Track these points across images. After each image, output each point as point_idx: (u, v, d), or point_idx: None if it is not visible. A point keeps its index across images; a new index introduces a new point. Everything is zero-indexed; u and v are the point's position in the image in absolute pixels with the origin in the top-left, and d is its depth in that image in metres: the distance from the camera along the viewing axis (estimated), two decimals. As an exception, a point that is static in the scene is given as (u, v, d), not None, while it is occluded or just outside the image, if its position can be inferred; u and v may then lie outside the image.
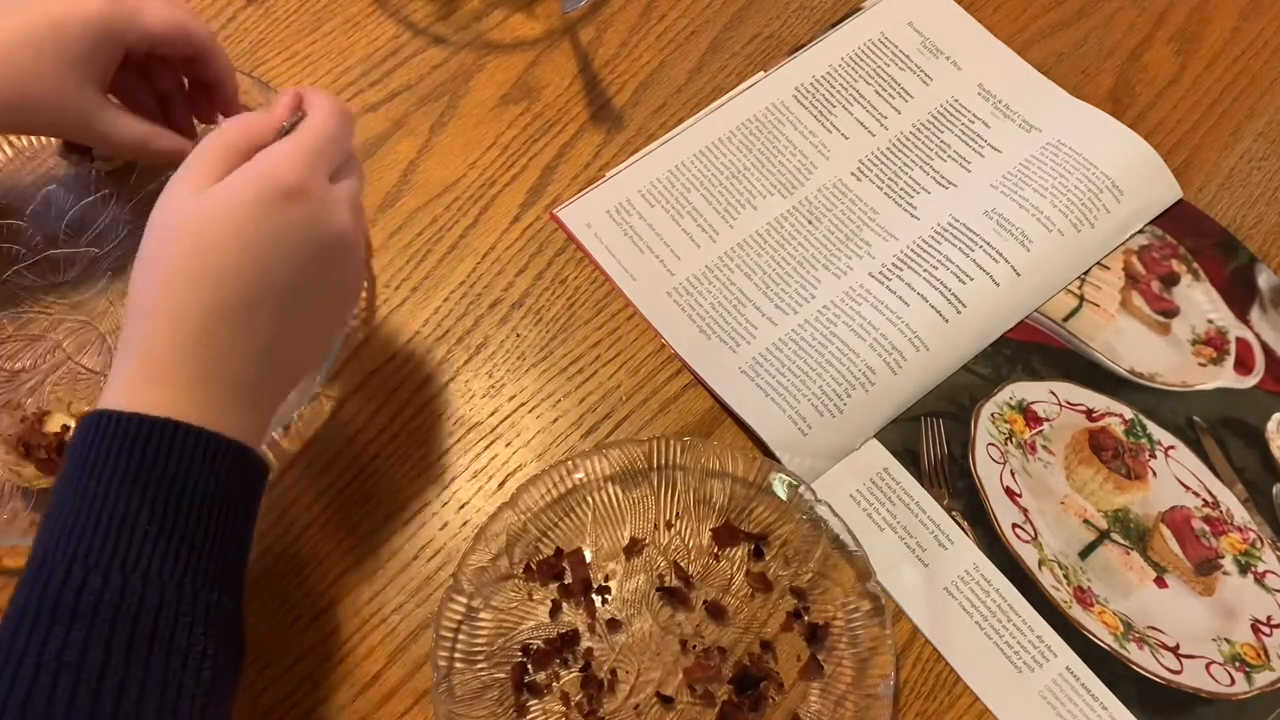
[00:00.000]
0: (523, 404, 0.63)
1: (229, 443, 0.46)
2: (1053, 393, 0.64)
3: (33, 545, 0.44)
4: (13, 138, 0.67)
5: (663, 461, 0.60)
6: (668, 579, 0.58)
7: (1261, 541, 0.60)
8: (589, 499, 0.60)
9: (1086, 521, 0.60)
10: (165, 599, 0.43)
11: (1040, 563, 0.59)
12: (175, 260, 0.46)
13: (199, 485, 0.45)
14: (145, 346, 0.46)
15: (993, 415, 0.63)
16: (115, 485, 0.43)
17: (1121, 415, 0.63)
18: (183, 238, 0.46)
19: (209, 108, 0.61)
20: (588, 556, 0.58)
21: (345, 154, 0.51)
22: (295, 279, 0.48)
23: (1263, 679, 0.57)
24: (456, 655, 0.55)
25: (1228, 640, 0.58)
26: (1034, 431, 0.62)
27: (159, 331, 0.46)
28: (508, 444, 0.62)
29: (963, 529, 0.60)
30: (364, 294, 0.65)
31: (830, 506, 0.58)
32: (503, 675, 0.55)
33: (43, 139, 0.68)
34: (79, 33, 0.54)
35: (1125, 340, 0.65)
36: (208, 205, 0.46)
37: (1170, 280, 0.67)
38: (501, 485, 0.61)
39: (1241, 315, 0.66)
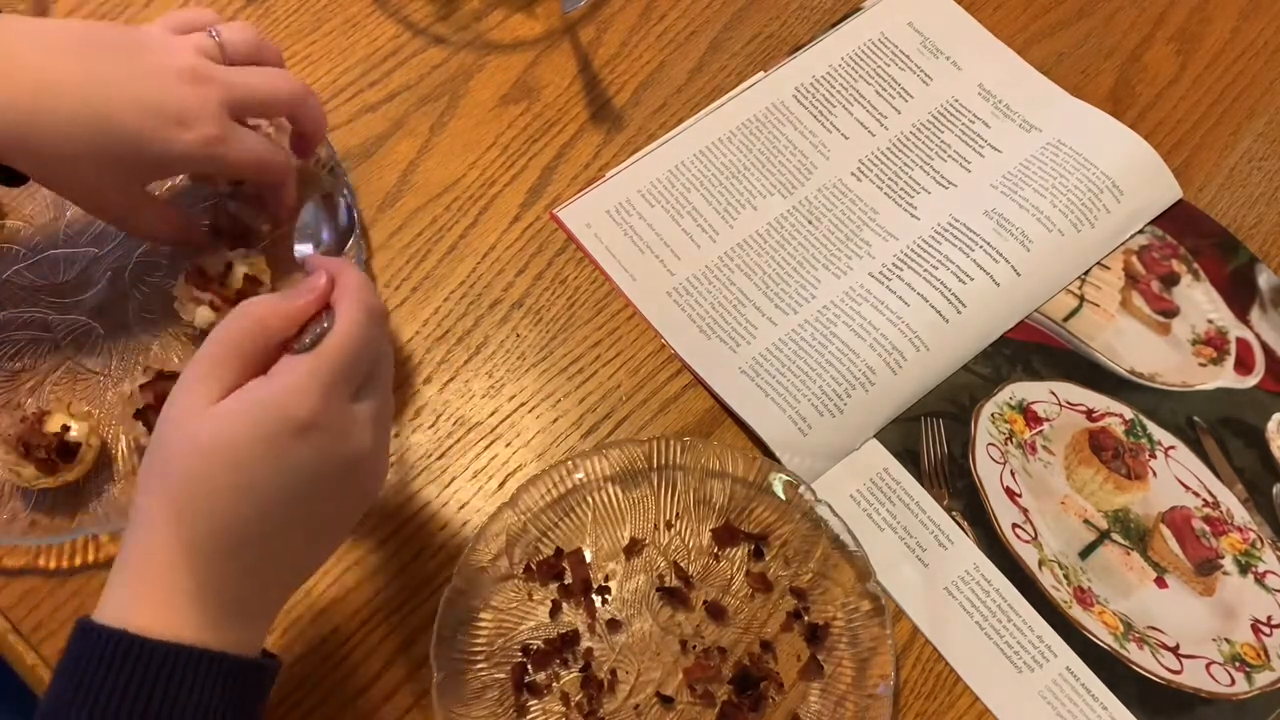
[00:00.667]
0: (523, 404, 0.63)
1: (223, 658, 0.44)
2: (1053, 393, 0.64)
3: None
4: (13, 138, 0.67)
5: (663, 461, 0.60)
6: (668, 579, 0.58)
7: (1261, 541, 0.60)
8: (589, 499, 0.60)
9: (1087, 521, 0.60)
10: None
11: (1040, 563, 0.59)
12: (174, 482, 0.44)
13: (194, 698, 0.43)
14: (140, 563, 0.44)
15: (993, 415, 0.63)
16: (104, 701, 0.42)
17: (1121, 415, 0.63)
18: (182, 458, 0.44)
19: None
20: (588, 556, 0.58)
21: (373, 364, 0.47)
22: (299, 510, 0.45)
23: (1263, 679, 0.57)
24: (456, 655, 0.55)
25: (1228, 640, 0.58)
26: (1034, 431, 0.62)
27: (155, 552, 0.44)
28: (508, 444, 0.62)
29: (963, 529, 0.60)
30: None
31: (830, 506, 0.58)
32: (503, 675, 0.55)
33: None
34: (157, 159, 0.54)
35: (1125, 340, 0.65)
36: (208, 430, 0.43)
37: (1170, 280, 0.67)
38: (501, 485, 0.61)
39: (1241, 315, 0.66)
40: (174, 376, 0.58)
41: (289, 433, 0.43)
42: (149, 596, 0.44)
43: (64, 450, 0.57)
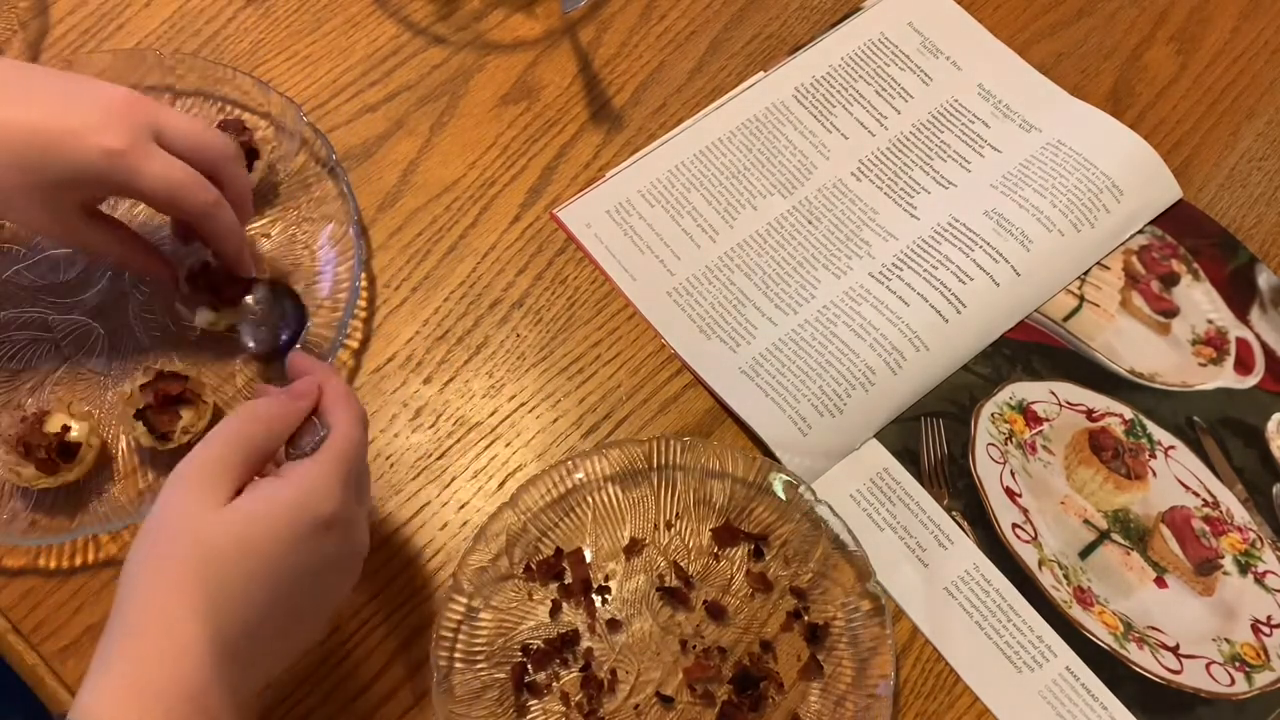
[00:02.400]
0: (523, 404, 0.63)
1: None
2: (1053, 393, 0.64)
3: None
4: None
5: (663, 461, 0.60)
6: (668, 579, 0.58)
7: (1261, 541, 0.60)
8: (589, 499, 0.60)
9: (1086, 521, 0.60)
10: None
11: (1040, 563, 0.59)
12: (201, 584, 0.43)
13: None
14: (132, 663, 0.42)
15: (993, 415, 0.63)
16: None
17: (1121, 415, 0.63)
18: (208, 561, 0.43)
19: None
20: (588, 556, 0.58)
21: (364, 467, 0.50)
22: (306, 601, 0.46)
23: (1263, 679, 0.57)
24: (456, 655, 0.55)
25: (1228, 640, 0.58)
26: (1034, 431, 0.62)
27: (148, 658, 0.42)
28: (508, 444, 0.62)
29: (963, 529, 0.60)
30: (364, 293, 0.65)
31: (830, 506, 0.58)
32: (503, 675, 0.55)
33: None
34: (62, 173, 0.53)
35: (1125, 340, 0.65)
36: (233, 531, 0.44)
37: (1170, 280, 0.67)
38: (501, 485, 0.61)
39: (1241, 315, 0.66)
40: (174, 376, 0.59)
41: (314, 531, 0.45)
42: (146, 707, 0.41)
43: (64, 450, 0.57)
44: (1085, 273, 0.67)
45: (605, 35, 0.74)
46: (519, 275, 0.66)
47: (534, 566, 0.58)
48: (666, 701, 0.55)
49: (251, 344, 0.58)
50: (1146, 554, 0.60)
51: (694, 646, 0.56)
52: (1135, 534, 0.60)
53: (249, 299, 0.58)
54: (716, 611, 0.57)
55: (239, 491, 0.45)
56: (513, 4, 0.74)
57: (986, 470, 0.61)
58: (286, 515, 0.45)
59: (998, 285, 0.65)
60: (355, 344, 0.64)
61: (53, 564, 0.57)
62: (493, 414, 0.63)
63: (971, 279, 0.65)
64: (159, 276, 0.61)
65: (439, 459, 0.61)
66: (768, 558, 0.58)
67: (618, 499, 0.60)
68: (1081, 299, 0.66)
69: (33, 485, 0.57)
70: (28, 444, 0.57)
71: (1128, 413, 0.63)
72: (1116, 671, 0.57)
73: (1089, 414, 0.63)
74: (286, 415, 0.48)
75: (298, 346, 0.56)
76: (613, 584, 0.58)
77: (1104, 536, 0.60)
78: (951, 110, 0.71)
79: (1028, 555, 0.59)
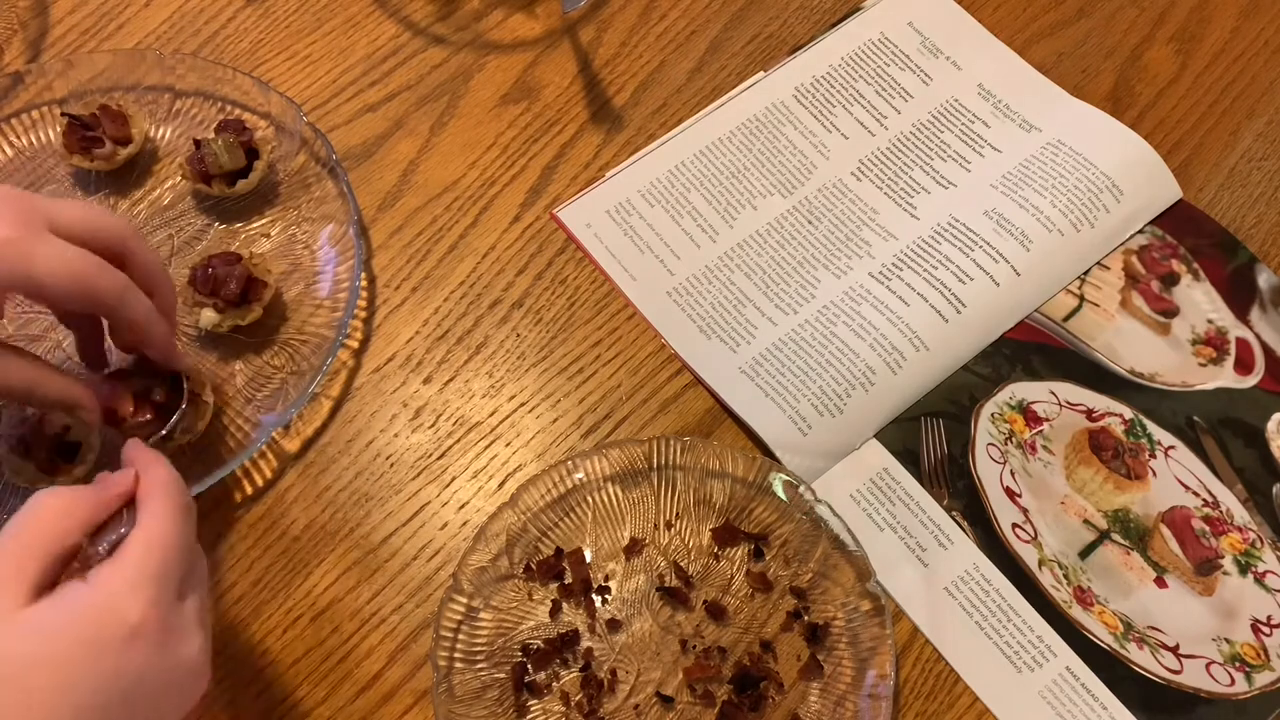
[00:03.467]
0: (523, 404, 0.63)
1: None
2: (1053, 393, 0.64)
3: None
4: (13, 137, 0.68)
5: (663, 461, 0.60)
6: (668, 579, 0.58)
7: (1261, 541, 0.60)
8: (589, 499, 0.60)
9: (1086, 521, 0.60)
10: None
11: (1040, 563, 0.59)
12: None
13: None
14: None
15: (993, 415, 0.63)
16: None
17: (1121, 415, 0.63)
18: None
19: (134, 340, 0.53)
20: (588, 556, 0.58)
21: (191, 561, 0.44)
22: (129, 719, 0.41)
23: (1263, 679, 0.57)
24: (456, 655, 0.55)
25: (1228, 640, 0.58)
26: (1034, 431, 0.62)
27: None
28: (508, 444, 0.62)
29: (963, 529, 0.60)
30: (364, 293, 0.65)
31: (830, 506, 0.58)
32: (503, 675, 0.55)
33: (43, 140, 0.68)
34: None
35: (1125, 340, 0.65)
36: (29, 646, 0.39)
37: (1170, 280, 0.67)
38: (501, 485, 0.61)
39: (1241, 315, 0.66)
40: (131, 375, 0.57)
41: (121, 640, 0.40)
42: None
43: (64, 450, 0.57)
44: (1085, 273, 0.67)
45: (605, 35, 0.74)
46: (519, 275, 0.66)
47: (534, 566, 0.58)
48: (666, 701, 0.55)
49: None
50: (1146, 554, 0.60)
51: (694, 646, 0.56)
52: (1135, 534, 0.60)
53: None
54: (716, 611, 0.57)
55: (39, 592, 0.40)
56: (513, 4, 0.74)
57: (986, 470, 0.61)
58: (81, 624, 0.40)
59: (998, 285, 0.65)
60: (355, 344, 0.64)
61: (53, 564, 0.57)
62: (493, 414, 0.63)
63: (971, 279, 0.65)
64: (78, 405, 0.52)
65: (439, 459, 0.61)
66: (768, 558, 0.58)
67: (618, 499, 0.60)
68: (1081, 299, 0.66)
69: (33, 485, 0.57)
70: (28, 444, 0.57)
71: (1128, 413, 0.63)
72: (1116, 671, 0.57)
73: (1089, 414, 0.63)
74: (93, 504, 0.43)
75: (164, 432, 0.53)
76: (613, 584, 0.58)
77: (1104, 536, 0.60)
78: (951, 110, 0.71)
79: (1028, 555, 0.59)
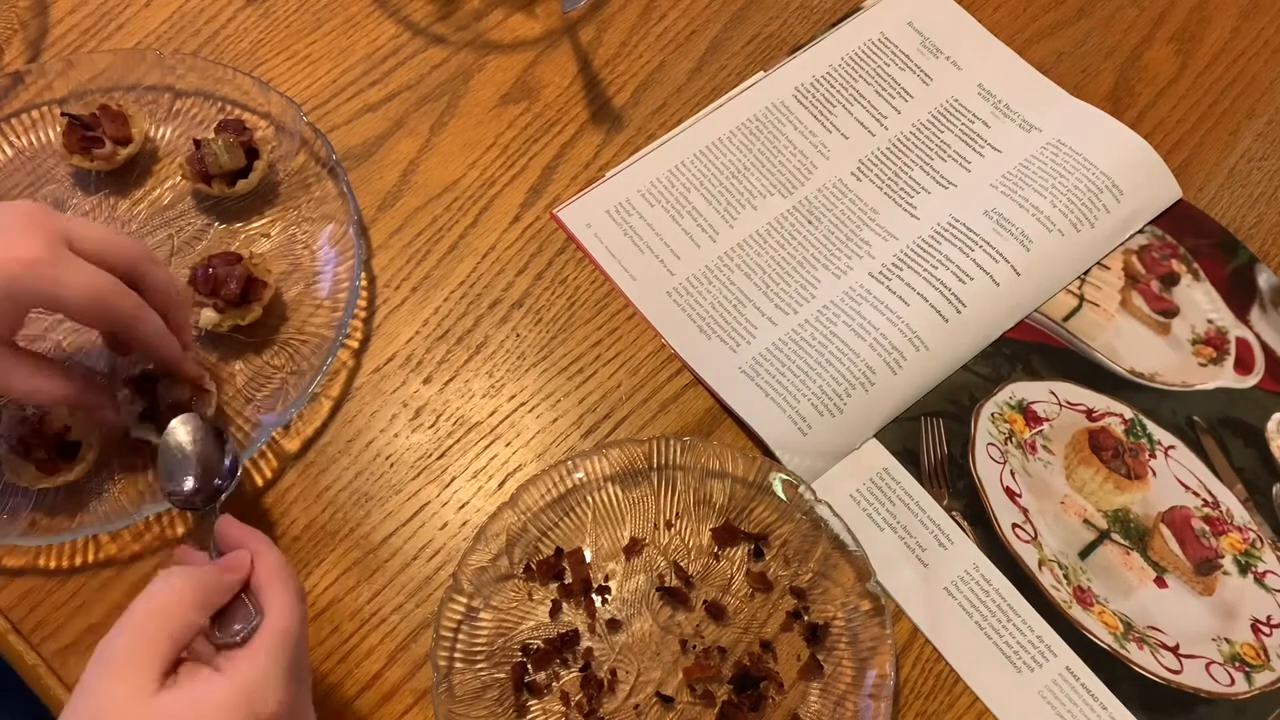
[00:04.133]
0: (523, 404, 0.63)
1: None
2: (1053, 392, 0.64)
3: None
4: (13, 137, 0.68)
5: (663, 461, 0.60)
6: (668, 579, 0.58)
7: (1261, 541, 0.60)
8: (589, 499, 0.60)
9: (1086, 521, 0.60)
10: None
11: (1040, 563, 0.59)
12: None
13: None
14: None
15: (993, 415, 0.63)
16: None
17: (1121, 415, 0.63)
18: None
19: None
20: (588, 556, 0.58)
21: (306, 647, 0.47)
22: None
23: (1262, 679, 0.57)
24: (456, 655, 0.55)
25: (1228, 640, 0.58)
26: (1034, 431, 0.62)
27: None
28: (508, 444, 0.62)
29: (963, 529, 0.60)
30: (364, 293, 0.65)
31: (830, 506, 0.58)
32: (503, 675, 0.55)
33: (43, 140, 0.68)
34: None
35: (1125, 340, 0.65)
36: None
37: (1170, 280, 0.67)
38: (501, 485, 0.61)
39: (1241, 315, 0.66)
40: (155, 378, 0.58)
41: None
42: None
43: (64, 450, 0.57)
44: (1085, 273, 0.67)
45: (605, 35, 0.74)
46: (519, 275, 0.66)
47: (534, 566, 0.58)
48: (666, 701, 0.55)
49: (181, 485, 0.52)
50: (1146, 554, 0.60)
51: (694, 646, 0.56)
52: (1135, 534, 0.60)
53: (182, 428, 0.53)
54: (716, 611, 0.57)
55: (166, 673, 0.42)
56: (513, 4, 0.74)
57: (986, 470, 0.61)
58: (225, 713, 0.41)
59: (998, 285, 0.65)
60: (355, 344, 0.64)
61: (53, 564, 0.58)
62: (493, 414, 0.63)
63: (971, 279, 0.65)
64: (97, 409, 0.56)
65: (439, 459, 0.61)
66: (768, 558, 0.58)
67: (618, 499, 0.60)
68: (1081, 299, 0.66)
69: (33, 485, 0.57)
70: (28, 444, 0.57)
71: (1128, 413, 0.63)
72: (1116, 671, 0.57)
73: (1089, 414, 0.63)
74: (217, 588, 0.45)
75: (217, 505, 0.52)
76: (613, 584, 0.58)
77: (1104, 536, 0.60)
78: (951, 110, 0.71)
79: (1028, 555, 0.59)
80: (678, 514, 0.60)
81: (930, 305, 0.64)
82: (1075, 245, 0.67)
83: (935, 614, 0.58)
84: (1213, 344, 0.65)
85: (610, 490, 0.60)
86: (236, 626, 0.44)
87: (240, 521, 0.50)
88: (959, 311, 0.64)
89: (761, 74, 0.73)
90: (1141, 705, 0.56)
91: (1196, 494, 0.61)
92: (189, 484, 0.52)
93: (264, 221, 0.66)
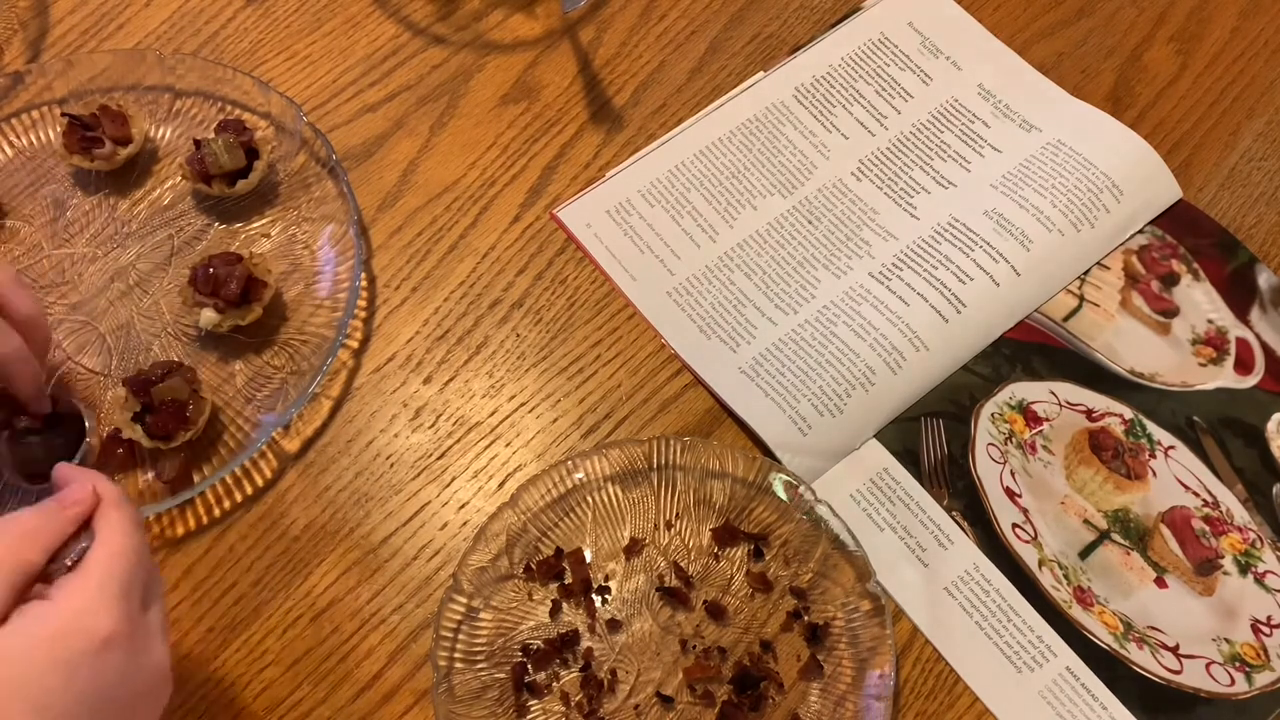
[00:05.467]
0: (523, 404, 0.63)
1: None
2: (1053, 393, 0.64)
3: None
4: (13, 137, 0.68)
5: (663, 461, 0.60)
6: (668, 579, 0.58)
7: (1261, 541, 0.60)
8: (589, 499, 0.60)
9: (1086, 521, 0.60)
10: None
11: (1040, 563, 0.59)
12: None
13: None
14: None
15: (993, 415, 0.63)
16: None
17: (1121, 415, 0.63)
18: None
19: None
20: (588, 556, 0.58)
21: (149, 571, 0.45)
22: None
23: (1263, 679, 0.57)
24: (456, 655, 0.55)
25: (1228, 640, 0.58)
26: (1034, 431, 0.62)
27: None
28: (508, 444, 0.62)
29: (963, 529, 0.60)
30: (364, 293, 0.65)
31: (830, 506, 0.58)
32: (503, 675, 0.55)
33: (43, 140, 0.68)
34: None
35: (1125, 340, 0.65)
36: None
37: (1170, 280, 0.67)
38: (501, 485, 0.61)
39: (1241, 315, 0.66)
40: (167, 370, 0.58)
41: (92, 653, 0.40)
42: None
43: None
44: (1085, 273, 0.67)
45: (605, 35, 0.74)
46: (519, 275, 0.66)
47: (534, 566, 0.58)
48: (666, 701, 0.55)
49: (23, 479, 0.55)
50: (1146, 554, 0.60)
51: (694, 646, 0.56)
52: (1135, 534, 0.60)
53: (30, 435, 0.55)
54: (716, 611, 0.57)
55: (3, 622, 0.40)
56: (513, 4, 0.74)
57: (986, 470, 0.61)
58: (51, 642, 0.40)
59: (998, 285, 0.65)
60: (355, 344, 0.64)
61: (53, 564, 0.57)
62: (493, 414, 0.63)
63: (971, 279, 0.65)
64: (16, 379, 0.54)
65: (439, 459, 0.61)
66: (768, 558, 0.58)
67: (618, 499, 0.60)
68: (1081, 299, 0.66)
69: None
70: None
71: (1128, 413, 0.63)
72: (1116, 671, 0.57)
73: (1089, 414, 0.63)
74: (53, 527, 0.43)
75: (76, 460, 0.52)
76: (613, 584, 0.58)
77: (1104, 536, 0.60)
78: (951, 110, 0.71)
79: (1028, 555, 0.59)
80: (678, 514, 0.60)
81: (930, 305, 0.64)
82: (1075, 245, 0.67)
83: (935, 614, 0.58)
84: (1213, 344, 0.65)
85: (610, 490, 0.60)
86: (64, 553, 0.43)
87: (72, 465, 0.48)
88: (959, 311, 0.64)
89: (761, 74, 0.73)
90: (1141, 705, 0.56)
91: (1196, 494, 0.61)
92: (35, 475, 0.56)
93: (264, 221, 0.66)
